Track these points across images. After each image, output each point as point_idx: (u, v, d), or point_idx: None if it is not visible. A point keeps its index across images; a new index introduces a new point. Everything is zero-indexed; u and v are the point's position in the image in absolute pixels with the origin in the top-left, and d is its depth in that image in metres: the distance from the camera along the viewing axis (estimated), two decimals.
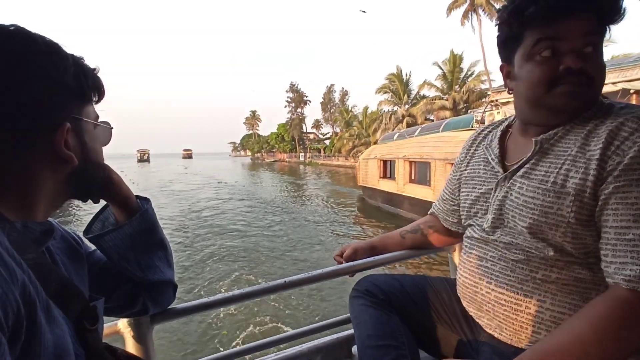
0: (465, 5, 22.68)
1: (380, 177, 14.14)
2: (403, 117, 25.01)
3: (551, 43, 0.65)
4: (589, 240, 0.63)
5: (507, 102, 10.16)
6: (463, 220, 0.89)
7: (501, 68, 0.78)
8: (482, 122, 10.55)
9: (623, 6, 0.64)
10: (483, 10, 21.83)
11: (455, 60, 25.11)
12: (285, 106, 58.00)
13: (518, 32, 0.69)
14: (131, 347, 0.76)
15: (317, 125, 56.09)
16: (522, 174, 0.72)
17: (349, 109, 44.98)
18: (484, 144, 0.87)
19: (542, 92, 0.67)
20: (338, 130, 45.34)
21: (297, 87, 56.41)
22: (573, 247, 0.64)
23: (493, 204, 0.76)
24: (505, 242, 0.73)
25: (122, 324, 0.75)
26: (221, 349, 3.44)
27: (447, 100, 24.55)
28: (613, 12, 0.64)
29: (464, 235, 0.88)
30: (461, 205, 0.89)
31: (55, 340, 0.39)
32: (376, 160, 14.46)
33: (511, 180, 0.73)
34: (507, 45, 0.74)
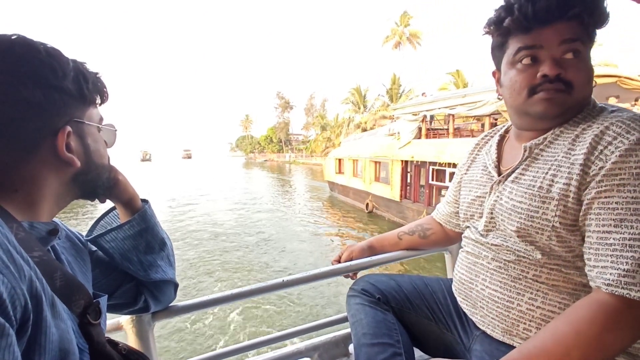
0: (394, 40, 31.37)
1: (336, 173, 17.32)
2: (360, 124, 30.32)
3: (531, 51, 0.66)
4: (574, 244, 0.63)
5: (399, 117, 12.69)
6: (461, 222, 0.90)
7: (493, 74, 0.80)
8: (390, 130, 13.61)
9: (605, 10, 0.63)
10: (409, 42, 30.36)
11: (395, 79, 31.48)
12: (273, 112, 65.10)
13: (503, 41, 0.71)
14: (133, 343, 0.77)
15: (306, 127, 62.12)
16: (512, 178, 0.72)
17: (325, 114, 50.21)
18: (484, 149, 0.88)
19: (522, 99, 0.68)
20: (319, 132, 50.51)
21: (282, 94, 63.42)
22: (560, 250, 0.64)
23: (487, 208, 0.77)
24: (497, 245, 0.74)
25: (125, 321, 0.77)
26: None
27: (387, 111, 30.41)
28: (594, 17, 0.63)
29: (463, 235, 0.89)
30: (460, 207, 0.90)
31: (60, 334, 0.40)
32: (334, 159, 17.50)
33: (503, 185, 0.74)
34: (494, 53, 0.76)
